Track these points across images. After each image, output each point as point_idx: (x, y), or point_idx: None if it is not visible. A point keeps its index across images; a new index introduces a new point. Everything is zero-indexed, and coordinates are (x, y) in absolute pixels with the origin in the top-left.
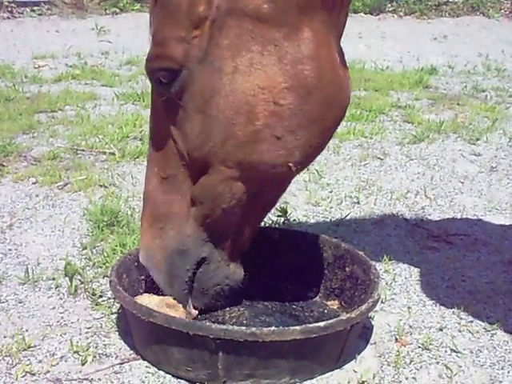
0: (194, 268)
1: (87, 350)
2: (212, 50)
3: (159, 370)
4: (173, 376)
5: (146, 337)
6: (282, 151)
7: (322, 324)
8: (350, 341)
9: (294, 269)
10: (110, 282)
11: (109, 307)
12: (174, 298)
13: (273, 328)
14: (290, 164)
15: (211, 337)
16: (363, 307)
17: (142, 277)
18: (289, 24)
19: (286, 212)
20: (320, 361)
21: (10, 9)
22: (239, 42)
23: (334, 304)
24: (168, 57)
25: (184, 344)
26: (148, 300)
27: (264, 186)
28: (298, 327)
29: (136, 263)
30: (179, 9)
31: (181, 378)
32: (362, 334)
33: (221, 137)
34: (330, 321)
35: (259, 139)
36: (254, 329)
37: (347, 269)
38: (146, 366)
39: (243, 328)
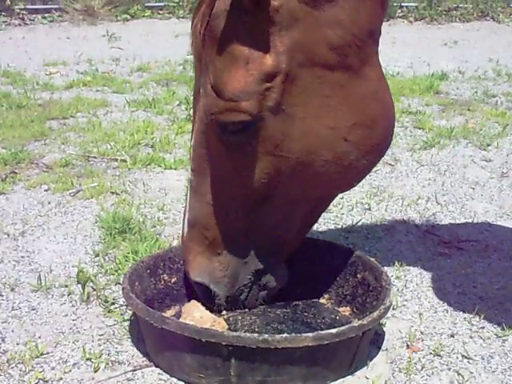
0: (254, 277)
1: (100, 357)
2: (284, 99)
3: (171, 376)
4: (185, 382)
5: (159, 343)
6: (349, 176)
7: (334, 331)
8: (362, 347)
9: (305, 276)
10: (123, 289)
11: (121, 314)
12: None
13: (285, 335)
14: (355, 183)
15: (224, 344)
16: (375, 314)
17: (154, 284)
18: (352, 65)
19: None
20: (332, 367)
21: (21, 16)
22: (309, 89)
23: (345, 310)
24: (242, 111)
25: (196, 351)
26: (200, 315)
27: (322, 203)
28: (310, 334)
29: (148, 270)
30: (248, 61)
31: None
32: (373, 340)
33: (291, 174)
34: (342, 327)
35: (329, 172)
36: (266, 336)
37: (359, 275)
38: (159, 373)
39: (255, 335)
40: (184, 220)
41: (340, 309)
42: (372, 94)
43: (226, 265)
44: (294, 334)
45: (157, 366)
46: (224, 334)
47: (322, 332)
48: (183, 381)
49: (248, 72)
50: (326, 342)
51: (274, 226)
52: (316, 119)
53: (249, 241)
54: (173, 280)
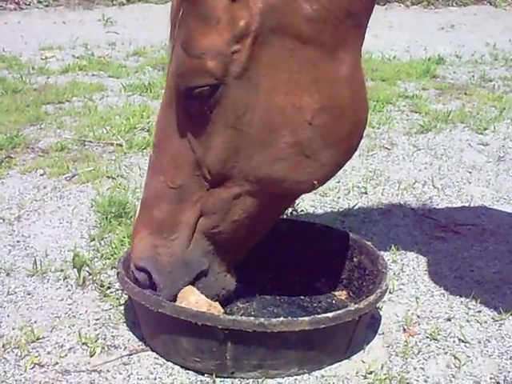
0: (193, 279)
1: (96, 341)
2: (251, 66)
3: (167, 361)
4: (181, 367)
5: (155, 327)
6: (308, 169)
7: (330, 315)
8: (359, 331)
9: (301, 259)
10: (118, 273)
11: (117, 299)
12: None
13: (281, 319)
14: (315, 182)
15: (220, 327)
16: (371, 298)
17: None
18: (326, 44)
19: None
20: (328, 351)
21: (16, 0)
22: (279, 61)
23: (341, 294)
24: (206, 72)
25: (192, 334)
26: (195, 300)
27: (279, 201)
28: (306, 318)
29: None
30: (219, 21)
31: (189, 369)
32: (370, 324)
33: (249, 153)
34: (339, 311)
35: (288, 157)
36: (262, 319)
37: (355, 259)
38: (155, 358)
39: (251, 318)
40: (139, 205)
41: (336, 293)
42: (344, 81)
43: (170, 252)
44: (290, 318)
45: (153, 351)
46: (220, 317)
47: (319, 316)
48: (179, 365)
49: (218, 31)
50: (323, 326)
51: (224, 217)
52: (282, 95)
53: (198, 232)
54: None
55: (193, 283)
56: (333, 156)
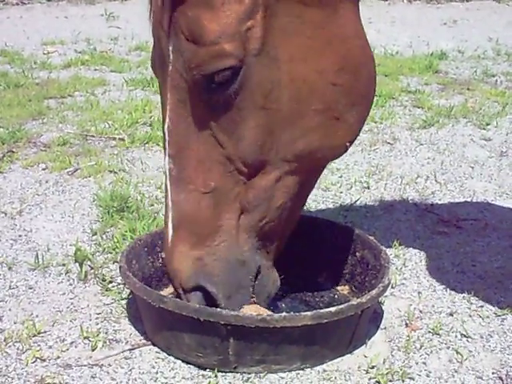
0: (254, 278)
1: (97, 335)
2: (267, 40)
3: (169, 355)
4: (183, 361)
5: (157, 323)
6: (340, 132)
7: (332, 309)
8: (361, 326)
9: (304, 254)
10: (120, 267)
11: (119, 293)
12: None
13: (283, 314)
14: (347, 143)
15: (222, 323)
16: (374, 292)
17: (152, 262)
18: (328, 4)
19: None
20: (331, 346)
21: None
22: (291, 29)
23: (344, 289)
24: (226, 55)
25: (195, 330)
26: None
27: (315, 172)
28: (308, 313)
29: (146, 248)
30: (224, 2)
31: (191, 364)
32: (372, 319)
33: (283, 130)
34: (341, 306)
35: (320, 124)
36: (264, 315)
37: (358, 254)
38: (156, 352)
39: (254, 314)
40: (167, 223)
41: (338, 287)
42: (352, 38)
43: (218, 259)
44: (292, 313)
45: (154, 345)
46: (222, 313)
47: (321, 311)
48: (181, 359)
49: (226, 12)
50: (325, 321)
51: (268, 207)
52: (302, 63)
53: (244, 230)
54: None
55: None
56: (358, 113)
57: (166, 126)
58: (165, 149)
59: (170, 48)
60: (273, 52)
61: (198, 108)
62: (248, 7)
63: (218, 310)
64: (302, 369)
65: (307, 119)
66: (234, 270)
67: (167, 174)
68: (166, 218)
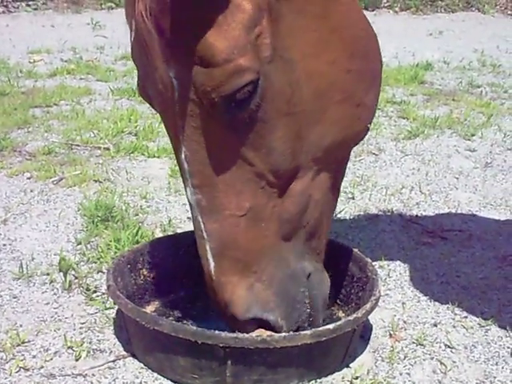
0: (306, 287)
1: (81, 345)
2: (277, 43)
3: (162, 376)
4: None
5: (149, 344)
6: (362, 116)
7: (331, 326)
8: (354, 340)
9: None
10: (109, 286)
11: (103, 302)
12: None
13: (283, 334)
14: (368, 125)
15: (221, 345)
16: (368, 306)
17: (135, 280)
18: None
19: None
20: (327, 362)
21: (5, 3)
22: (296, 26)
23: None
24: (244, 69)
25: (191, 352)
26: None
27: (343, 161)
28: (308, 332)
29: (129, 265)
30: (225, 15)
31: None
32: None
33: (311, 130)
34: (339, 322)
35: (343, 114)
36: (264, 335)
37: (342, 266)
38: (140, 362)
39: (253, 335)
40: (205, 255)
41: None
42: (355, 23)
43: (268, 281)
44: (292, 333)
45: (146, 366)
46: (221, 335)
47: (320, 328)
48: (175, 382)
49: (231, 25)
50: (324, 339)
51: (308, 211)
52: (314, 57)
53: (287, 242)
54: (152, 275)
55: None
56: (374, 95)
57: (182, 157)
58: (185, 180)
59: (172, 75)
60: (285, 54)
61: (218, 131)
62: (252, 14)
63: (217, 332)
64: None
65: (331, 112)
66: (285, 288)
67: (195, 204)
68: (203, 251)
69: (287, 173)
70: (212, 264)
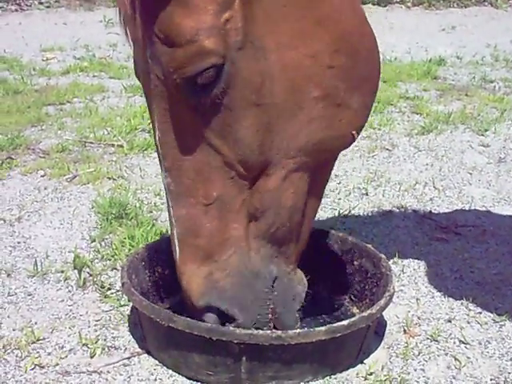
0: (271, 289)
1: (96, 342)
2: (249, 29)
3: (177, 373)
4: (192, 380)
5: (164, 341)
6: (344, 119)
7: (345, 323)
8: (368, 336)
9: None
10: (123, 283)
11: (117, 300)
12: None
13: (298, 330)
14: (353, 132)
15: (235, 341)
16: (382, 302)
17: (149, 277)
18: None
19: None
20: (342, 358)
21: (18, 1)
22: (274, 14)
23: (342, 298)
24: (207, 52)
25: (206, 349)
26: None
27: (324, 165)
28: (322, 328)
29: (143, 262)
30: None
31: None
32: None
33: (281, 125)
34: (353, 318)
35: (322, 113)
36: (279, 332)
37: (355, 262)
38: (155, 359)
39: (268, 332)
40: (173, 240)
41: (337, 297)
42: (346, 17)
43: (229, 272)
44: (307, 329)
45: (160, 362)
46: (236, 331)
47: (335, 325)
48: (190, 378)
49: (199, 6)
50: (339, 335)
51: (278, 210)
52: (292, 48)
53: (254, 238)
54: (166, 272)
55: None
56: (361, 98)
57: (157, 138)
58: (160, 161)
59: (148, 54)
60: (258, 42)
61: (186, 115)
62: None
63: (231, 328)
64: (314, 381)
65: (306, 110)
66: (247, 283)
67: (166, 188)
68: (172, 235)
69: (255, 166)
70: (177, 249)
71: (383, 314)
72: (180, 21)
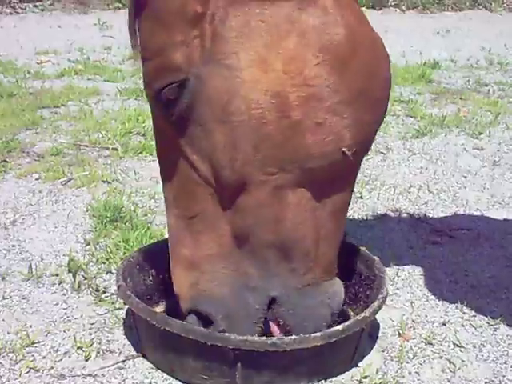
0: (264, 308)
1: (91, 345)
2: (218, 47)
3: (173, 377)
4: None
5: (159, 344)
6: (329, 137)
7: (340, 327)
8: (363, 339)
9: None
10: (119, 286)
11: (112, 303)
12: None
13: (294, 336)
14: (343, 149)
15: (230, 348)
16: (375, 304)
17: (143, 280)
18: None
19: None
20: (337, 362)
21: (12, 4)
22: (249, 31)
23: None
24: (169, 66)
25: (201, 354)
26: None
27: (325, 185)
28: (318, 333)
29: (138, 266)
30: (170, 11)
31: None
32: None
33: (252, 142)
34: (347, 323)
35: (299, 131)
36: (275, 338)
37: (349, 265)
38: (150, 362)
39: (263, 338)
40: (169, 245)
41: None
42: (336, 26)
43: (217, 282)
44: (302, 335)
45: (155, 365)
46: (230, 337)
47: (330, 330)
48: (185, 382)
49: (168, 23)
50: (334, 340)
51: (268, 228)
52: (265, 65)
53: (246, 256)
54: (160, 275)
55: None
56: (352, 115)
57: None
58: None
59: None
60: (227, 60)
61: (167, 128)
62: (194, 15)
63: (226, 334)
64: None
65: (281, 128)
66: (238, 297)
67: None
68: (168, 242)
69: (230, 182)
70: (171, 255)
71: (378, 317)
72: (151, 35)
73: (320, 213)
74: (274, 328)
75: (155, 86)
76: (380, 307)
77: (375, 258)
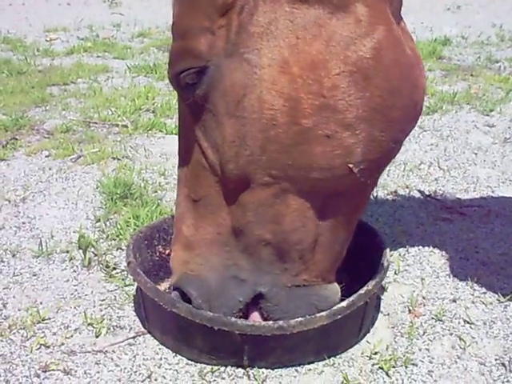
0: (247, 301)
1: (101, 322)
2: (242, 40)
3: (179, 355)
4: (195, 362)
5: (167, 325)
6: (337, 150)
7: (344, 304)
8: (368, 312)
9: None
10: (129, 263)
11: (122, 279)
12: None
13: (300, 319)
14: (350, 165)
15: (237, 332)
16: (377, 277)
17: (151, 256)
18: (331, 1)
19: None
20: (343, 337)
21: None
22: (275, 29)
23: (341, 276)
24: (191, 50)
25: (209, 336)
26: None
27: (329, 197)
28: (323, 313)
29: (146, 241)
30: None
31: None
32: (375, 305)
33: (259, 142)
34: (351, 298)
35: (308, 140)
36: (281, 322)
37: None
38: (157, 340)
39: (270, 323)
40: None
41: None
42: (364, 39)
43: (205, 266)
44: (308, 317)
45: (163, 344)
46: (237, 322)
47: (335, 308)
48: (193, 360)
49: (198, 7)
50: (339, 317)
51: (265, 227)
52: (285, 67)
53: (240, 249)
54: (167, 251)
55: (247, 303)
56: (365, 132)
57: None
58: None
59: None
60: (250, 54)
61: (185, 111)
62: (224, 3)
63: (233, 319)
64: (315, 361)
65: (290, 133)
66: (223, 285)
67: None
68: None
69: (233, 176)
70: (174, 230)
71: (388, 293)
72: (181, 17)
73: (320, 222)
74: (255, 314)
75: (176, 68)
76: (382, 279)
77: (375, 228)
